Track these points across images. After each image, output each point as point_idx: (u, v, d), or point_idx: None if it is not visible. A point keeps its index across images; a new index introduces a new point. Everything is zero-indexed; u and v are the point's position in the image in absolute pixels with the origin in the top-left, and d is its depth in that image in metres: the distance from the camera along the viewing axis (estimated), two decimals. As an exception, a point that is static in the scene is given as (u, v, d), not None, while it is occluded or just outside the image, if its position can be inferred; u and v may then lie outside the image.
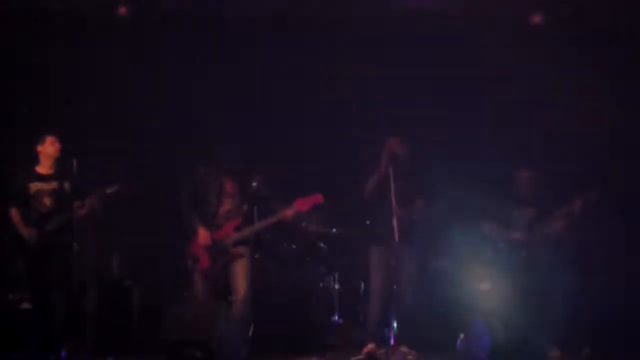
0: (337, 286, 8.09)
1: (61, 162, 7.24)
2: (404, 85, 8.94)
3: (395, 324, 6.91)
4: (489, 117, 8.78)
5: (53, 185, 7.14)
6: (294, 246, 8.09)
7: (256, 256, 7.34)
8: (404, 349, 7.00)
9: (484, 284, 8.22)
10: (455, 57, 8.60)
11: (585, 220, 7.52)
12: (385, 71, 8.96)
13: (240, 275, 6.74)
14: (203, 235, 6.78)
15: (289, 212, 6.75)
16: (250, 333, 7.56)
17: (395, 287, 6.98)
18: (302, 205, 6.79)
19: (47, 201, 7.11)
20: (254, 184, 6.88)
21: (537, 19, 8.49)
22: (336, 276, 8.10)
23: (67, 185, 7.15)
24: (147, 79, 8.64)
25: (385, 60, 8.94)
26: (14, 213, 7.15)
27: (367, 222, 7.62)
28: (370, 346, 7.03)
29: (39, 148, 7.20)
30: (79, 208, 7.02)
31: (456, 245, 8.85)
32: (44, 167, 7.21)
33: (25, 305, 7.73)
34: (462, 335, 7.00)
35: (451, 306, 8.62)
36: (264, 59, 8.89)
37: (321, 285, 8.25)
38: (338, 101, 8.99)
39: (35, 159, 7.23)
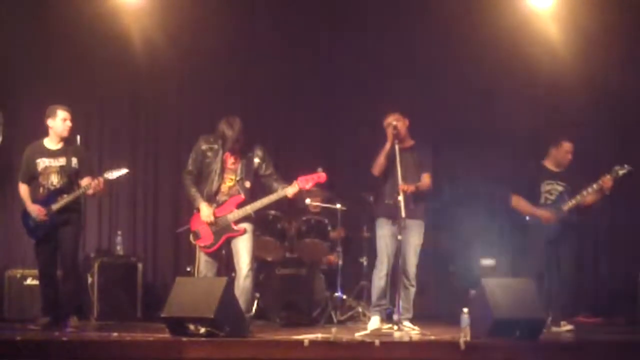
0: (340, 261, 8.10)
1: (71, 138, 7.15)
2: (411, 61, 8.94)
3: (400, 299, 6.93)
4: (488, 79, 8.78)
5: (61, 161, 7.02)
6: (294, 223, 8.08)
7: (257, 233, 7.33)
8: (408, 324, 7.02)
9: (487, 260, 8.24)
10: (463, 34, 8.57)
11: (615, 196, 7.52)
12: (388, 45, 8.95)
13: (242, 252, 6.74)
14: (205, 212, 6.78)
15: (291, 190, 6.73)
16: (254, 309, 7.60)
17: (400, 262, 6.98)
18: (305, 183, 6.77)
19: (55, 178, 7.01)
20: (256, 160, 6.86)
21: None
22: (340, 251, 8.11)
23: (75, 161, 7.04)
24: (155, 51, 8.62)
25: (389, 34, 8.93)
26: (22, 188, 7.11)
27: (371, 199, 7.61)
28: (375, 321, 7.04)
29: (49, 122, 7.03)
30: (86, 188, 6.95)
31: (462, 220, 8.90)
32: (52, 142, 7.08)
33: (32, 281, 7.78)
34: (465, 310, 7.01)
35: (455, 281, 8.67)
36: (266, 36, 8.87)
37: (324, 260, 8.29)
38: (340, 75, 8.99)
39: (44, 132, 7.09)
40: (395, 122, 7.05)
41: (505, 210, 7.78)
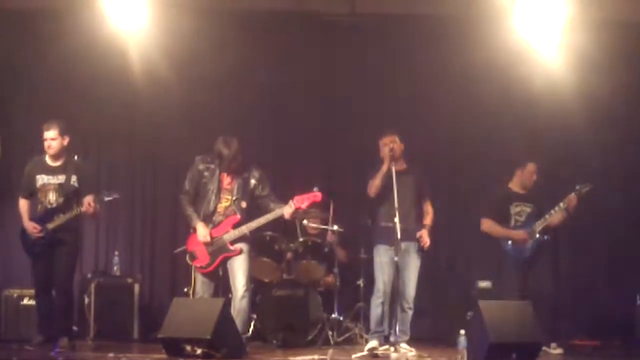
0: (337, 283, 8.09)
1: (71, 156, 7.12)
2: (403, 82, 8.97)
3: (397, 322, 6.92)
4: (485, 114, 8.82)
5: (60, 179, 7.01)
6: (292, 245, 8.08)
7: (254, 254, 7.33)
8: (405, 346, 7.01)
9: (484, 282, 8.24)
10: (453, 54, 8.61)
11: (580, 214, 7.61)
12: (385, 69, 8.99)
13: (238, 272, 6.74)
14: (201, 232, 6.78)
15: (287, 210, 6.74)
16: (250, 330, 7.59)
17: (400, 285, 6.97)
18: (300, 202, 6.79)
19: (53, 196, 7.00)
20: (253, 181, 6.87)
21: None
22: (337, 273, 8.10)
23: (74, 179, 7.01)
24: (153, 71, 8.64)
25: (386, 57, 8.97)
26: (22, 203, 7.10)
27: (369, 222, 7.62)
28: (372, 343, 7.03)
29: (48, 144, 6.97)
30: (81, 208, 6.93)
31: (456, 242, 8.91)
32: (52, 158, 7.05)
33: (29, 301, 7.76)
34: (462, 332, 7.01)
35: (452, 303, 8.65)
36: (262, 57, 8.90)
37: (321, 282, 8.27)
38: (339, 98, 9.03)
39: (46, 151, 7.03)
40: (392, 143, 7.09)
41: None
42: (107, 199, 7.07)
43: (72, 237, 7.06)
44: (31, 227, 6.96)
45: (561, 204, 7.44)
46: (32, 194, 7.08)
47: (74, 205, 7.00)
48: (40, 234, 6.94)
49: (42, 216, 6.99)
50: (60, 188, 7.00)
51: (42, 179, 7.01)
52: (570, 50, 7.93)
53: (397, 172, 7.03)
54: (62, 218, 6.94)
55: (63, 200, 7.00)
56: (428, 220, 7.21)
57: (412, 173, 7.23)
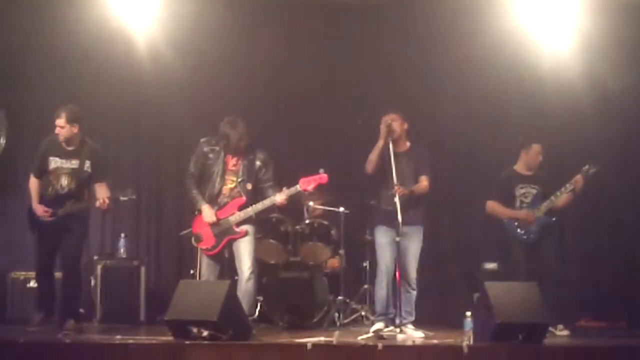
0: (343, 265, 8.10)
1: (85, 142, 7.04)
2: (405, 63, 8.93)
3: (402, 303, 6.93)
4: (494, 97, 8.78)
5: (74, 164, 6.96)
6: (298, 227, 8.08)
7: (259, 236, 7.34)
8: (410, 327, 7.02)
9: (490, 263, 8.24)
10: (453, 33, 8.57)
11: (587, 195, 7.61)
12: (385, 48, 8.95)
13: (244, 254, 6.75)
14: (207, 214, 6.79)
15: (279, 197, 6.74)
16: (256, 312, 7.61)
17: (401, 267, 6.97)
18: (306, 184, 6.78)
19: (65, 181, 6.96)
20: (258, 162, 6.87)
21: None
22: (342, 254, 8.11)
23: (88, 164, 6.97)
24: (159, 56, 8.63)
25: (384, 37, 8.93)
26: (33, 182, 7.03)
27: (372, 202, 7.61)
28: (378, 325, 7.04)
29: (59, 129, 6.90)
30: (94, 202, 6.91)
31: (462, 224, 8.90)
32: (66, 145, 6.99)
33: (35, 284, 7.79)
34: (468, 313, 7.01)
35: (457, 285, 8.66)
36: (267, 39, 8.86)
37: (327, 264, 8.28)
38: (340, 79, 9.00)
39: (59, 135, 6.96)
40: (390, 120, 7.05)
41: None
42: (122, 198, 7.06)
43: (81, 226, 7.06)
44: (41, 210, 6.92)
45: (567, 185, 7.45)
46: (44, 174, 7.02)
47: (85, 193, 6.99)
48: (50, 218, 6.92)
49: (53, 200, 6.96)
50: (74, 173, 6.96)
51: (55, 162, 6.96)
52: (578, 34, 7.89)
53: (399, 153, 7.01)
54: (73, 206, 6.92)
55: (75, 186, 6.97)
56: (416, 187, 7.09)
57: (414, 154, 7.19)
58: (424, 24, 8.79)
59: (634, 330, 7.67)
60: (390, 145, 6.96)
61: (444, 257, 8.79)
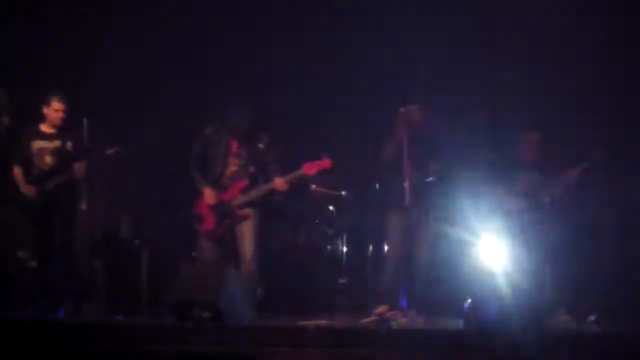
0: (345, 249, 8.09)
1: (67, 121, 7.23)
2: (411, 53, 8.88)
3: (406, 288, 6.92)
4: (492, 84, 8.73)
5: (56, 143, 7.17)
6: (300, 211, 8.08)
7: (261, 219, 7.33)
8: (414, 312, 7.01)
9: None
10: (458, 23, 8.52)
11: (587, 185, 7.56)
12: (399, 36, 8.90)
13: (246, 238, 6.74)
14: (209, 196, 6.78)
15: (278, 182, 6.73)
16: (258, 295, 7.60)
17: (409, 251, 6.96)
18: (309, 169, 6.76)
19: (49, 159, 7.15)
20: (261, 145, 6.85)
21: None
22: (344, 239, 8.10)
23: (69, 144, 7.19)
24: (157, 39, 8.59)
25: (398, 25, 8.87)
26: (17, 171, 7.19)
27: (377, 186, 7.59)
28: (382, 308, 7.03)
29: (45, 109, 7.21)
30: (78, 168, 7.06)
31: (467, 211, 8.87)
32: (48, 126, 7.23)
33: (33, 264, 7.79)
34: (469, 299, 7.00)
35: (461, 271, 8.65)
36: (275, 23, 8.83)
37: (329, 248, 8.27)
38: (351, 64, 8.95)
39: (41, 117, 7.24)
40: (411, 111, 6.98)
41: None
42: (109, 152, 7.19)
43: (70, 202, 7.21)
44: (29, 188, 7.07)
45: (564, 176, 7.40)
46: (28, 160, 7.18)
47: (69, 168, 7.14)
48: (39, 197, 7.04)
49: (39, 177, 7.11)
50: (56, 151, 7.16)
51: (37, 144, 7.17)
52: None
53: (414, 138, 6.93)
54: (57, 180, 7.08)
55: (59, 162, 7.14)
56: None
57: (431, 139, 7.12)
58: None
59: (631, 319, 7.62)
60: (406, 137, 6.88)
61: (449, 243, 8.74)
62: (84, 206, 7.39)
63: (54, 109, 7.16)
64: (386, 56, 8.86)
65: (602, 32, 8.24)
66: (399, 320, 6.72)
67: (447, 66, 8.71)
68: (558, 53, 8.36)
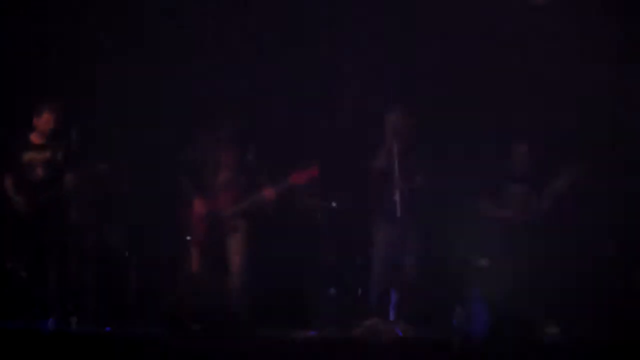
0: (334, 258, 8.09)
1: (58, 132, 7.25)
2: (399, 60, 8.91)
3: (396, 299, 6.93)
4: (485, 94, 8.76)
5: (46, 155, 7.18)
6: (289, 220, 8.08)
7: (251, 229, 7.33)
8: (403, 322, 7.02)
9: (482, 260, 8.24)
10: (454, 29, 8.55)
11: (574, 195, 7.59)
12: (381, 43, 8.92)
13: (236, 248, 6.75)
14: (199, 206, 6.78)
15: (267, 193, 6.74)
16: (247, 306, 7.59)
17: (398, 261, 6.98)
18: (297, 178, 6.78)
19: (39, 171, 7.14)
20: (250, 155, 6.87)
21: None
22: (333, 248, 8.10)
23: (60, 155, 7.19)
24: (147, 45, 8.60)
25: (382, 31, 8.90)
26: (7, 181, 7.18)
27: (368, 197, 7.59)
28: (371, 319, 7.04)
29: (35, 121, 7.21)
30: (69, 180, 7.09)
31: (454, 220, 8.90)
32: (38, 137, 7.24)
33: (23, 274, 7.77)
34: (458, 310, 7.02)
35: (450, 281, 8.66)
36: (255, 27, 8.85)
37: (318, 258, 8.27)
38: (337, 72, 8.97)
39: (32, 127, 7.24)
40: (398, 120, 7.03)
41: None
42: (100, 167, 7.32)
43: (59, 209, 7.22)
44: (20, 201, 7.07)
45: (552, 187, 7.42)
46: (18, 171, 7.17)
47: (60, 182, 7.15)
48: (29, 209, 7.04)
49: (29, 191, 7.09)
50: (47, 163, 7.15)
51: (28, 155, 7.17)
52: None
53: (402, 149, 6.97)
54: (48, 194, 7.07)
55: (50, 174, 7.14)
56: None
57: (417, 150, 7.16)
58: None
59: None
60: (395, 144, 6.92)
61: (436, 253, 8.76)
62: (74, 217, 7.38)
63: (44, 121, 7.16)
64: (373, 63, 8.89)
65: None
66: (388, 331, 6.73)
67: (438, 72, 8.76)
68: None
